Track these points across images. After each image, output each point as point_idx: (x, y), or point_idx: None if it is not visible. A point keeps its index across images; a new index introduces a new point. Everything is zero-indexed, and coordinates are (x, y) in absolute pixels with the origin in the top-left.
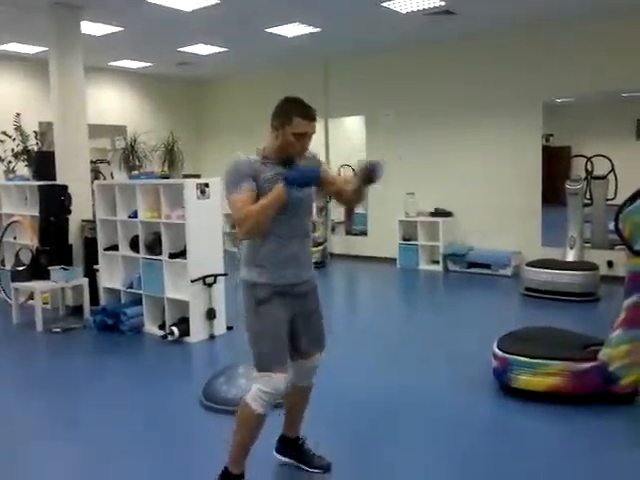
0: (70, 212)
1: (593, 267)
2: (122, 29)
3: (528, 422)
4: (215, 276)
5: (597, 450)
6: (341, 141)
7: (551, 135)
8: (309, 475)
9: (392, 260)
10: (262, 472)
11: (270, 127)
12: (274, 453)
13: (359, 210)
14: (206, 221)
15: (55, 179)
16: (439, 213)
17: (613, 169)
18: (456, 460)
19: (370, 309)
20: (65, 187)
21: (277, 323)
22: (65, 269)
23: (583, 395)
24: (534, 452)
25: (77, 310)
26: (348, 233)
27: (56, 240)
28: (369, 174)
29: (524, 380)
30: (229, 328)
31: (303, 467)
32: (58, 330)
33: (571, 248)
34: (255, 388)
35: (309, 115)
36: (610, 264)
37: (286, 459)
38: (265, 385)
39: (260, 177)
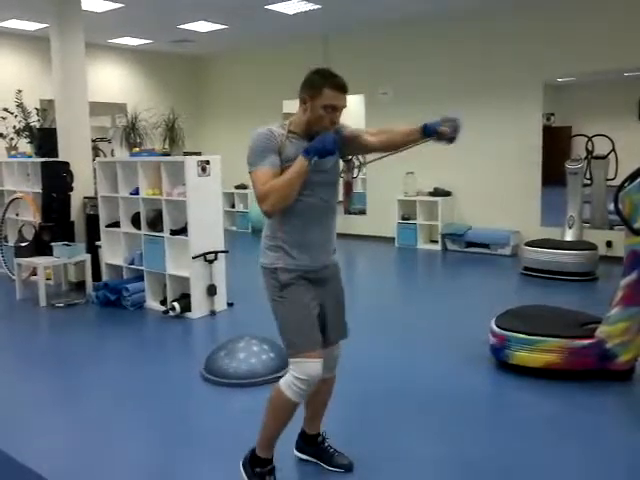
0: (72, 189)
1: (592, 247)
2: (123, 5)
3: (525, 397)
4: (216, 253)
5: (592, 426)
6: (342, 120)
7: (552, 114)
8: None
9: (391, 239)
10: (284, 468)
11: (299, 100)
12: (294, 451)
13: (358, 189)
14: (207, 198)
15: (57, 156)
16: (438, 192)
17: (614, 149)
18: (456, 435)
19: (368, 288)
20: (67, 164)
21: (305, 304)
22: (67, 245)
23: (580, 372)
24: (531, 427)
25: (79, 286)
26: (347, 212)
27: (58, 216)
28: (450, 133)
29: (521, 356)
30: (230, 304)
31: (324, 465)
32: (61, 305)
33: (570, 228)
34: (289, 375)
35: (341, 86)
36: (609, 244)
37: (306, 457)
38: (299, 372)
39: (284, 152)
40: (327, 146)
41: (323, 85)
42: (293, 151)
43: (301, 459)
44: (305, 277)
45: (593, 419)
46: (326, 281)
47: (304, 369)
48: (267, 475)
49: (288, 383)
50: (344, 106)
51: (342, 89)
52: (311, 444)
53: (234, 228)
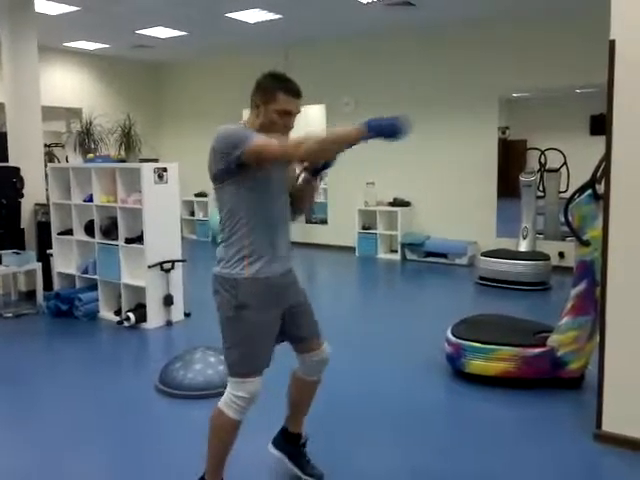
0: (22, 195)
1: (545, 257)
2: (78, 8)
3: (480, 406)
4: (173, 262)
5: (545, 433)
6: (302, 130)
7: (507, 128)
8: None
9: (351, 249)
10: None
11: (250, 104)
12: (269, 446)
13: (319, 199)
14: (164, 206)
15: (7, 161)
16: (398, 203)
17: (566, 162)
18: (410, 444)
19: (328, 297)
20: (17, 169)
21: (259, 327)
22: (17, 253)
23: (533, 379)
24: (486, 435)
25: (30, 295)
26: (308, 221)
27: (8, 223)
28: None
29: (476, 365)
30: (187, 315)
31: (296, 470)
32: (10, 315)
33: (524, 239)
34: (228, 394)
35: (294, 91)
36: (561, 255)
37: (280, 454)
38: (239, 390)
39: None
40: (398, 133)
41: (277, 90)
42: None
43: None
44: (267, 287)
45: (544, 426)
46: (290, 285)
47: (244, 387)
48: None
49: (228, 402)
50: (298, 111)
51: (296, 94)
52: (291, 443)
53: (194, 237)
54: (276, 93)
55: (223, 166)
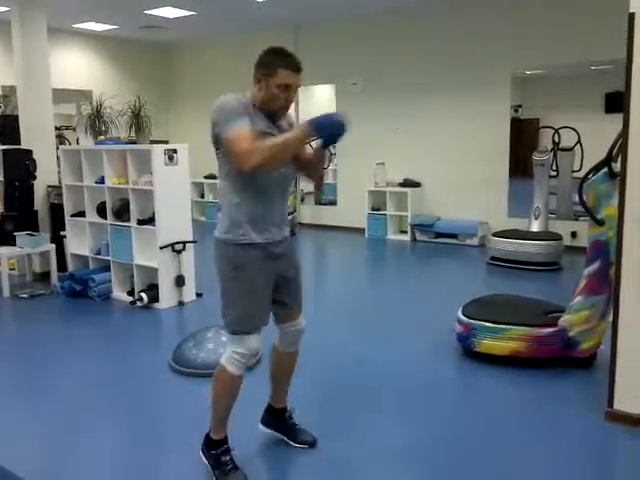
0: (35, 177)
1: (557, 237)
2: None
3: (490, 385)
4: (184, 243)
5: (555, 412)
6: (312, 110)
7: (520, 106)
8: (293, 449)
9: (361, 230)
10: (246, 447)
11: (253, 79)
12: (259, 425)
13: (329, 180)
14: (174, 188)
15: (19, 143)
16: (408, 183)
17: (579, 141)
18: (421, 421)
19: (338, 278)
20: (30, 152)
21: (254, 287)
22: (31, 235)
23: (544, 359)
24: (494, 411)
25: (44, 276)
26: (317, 203)
27: (21, 205)
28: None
29: (487, 345)
30: (198, 295)
31: (288, 441)
32: (25, 296)
33: (536, 219)
34: (229, 350)
35: (294, 66)
36: (574, 235)
37: (271, 431)
38: (238, 346)
39: (252, 122)
40: (339, 134)
41: (277, 65)
42: (261, 125)
43: (261, 439)
44: (263, 254)
45: (555, 405)
46: (284, 254)
47: (243, 342)
48: (221, 456)
49: (229, 359)
50: (298, 85)
51: (296, 68)
52: (278, 418)
53: (203, 218)
54: (277, 68)
55: (214, 134)
